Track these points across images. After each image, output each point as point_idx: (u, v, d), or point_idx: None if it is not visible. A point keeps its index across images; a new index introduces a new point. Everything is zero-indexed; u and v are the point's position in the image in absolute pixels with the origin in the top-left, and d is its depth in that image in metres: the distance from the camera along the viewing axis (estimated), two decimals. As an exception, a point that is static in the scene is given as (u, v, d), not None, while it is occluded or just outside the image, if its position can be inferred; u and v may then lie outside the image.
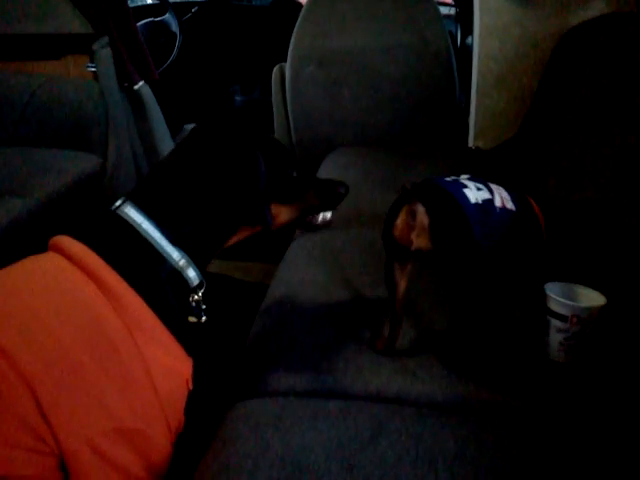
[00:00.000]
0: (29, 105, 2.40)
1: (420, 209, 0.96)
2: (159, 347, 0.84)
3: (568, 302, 1.02)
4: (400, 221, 0.98)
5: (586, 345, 1.03)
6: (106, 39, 2.35)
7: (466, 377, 1.02)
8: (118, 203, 0.88)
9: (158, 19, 3.31)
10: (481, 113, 2.16)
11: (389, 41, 2.33)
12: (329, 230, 1.69)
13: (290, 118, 2.47)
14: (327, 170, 2.14)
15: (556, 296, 1.03)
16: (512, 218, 1.04)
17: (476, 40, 2.06)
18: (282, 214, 0.99)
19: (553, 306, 1.03)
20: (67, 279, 0.81)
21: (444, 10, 3.14)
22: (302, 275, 1.40)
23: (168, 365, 0.85)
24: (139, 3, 3.96)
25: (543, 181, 1.51)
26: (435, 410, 0.96)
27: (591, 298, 1.04)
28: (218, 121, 0.99)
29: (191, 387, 0.90)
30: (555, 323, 1.03)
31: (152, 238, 0.85)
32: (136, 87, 2.51)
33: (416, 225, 0.96)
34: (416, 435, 0.88)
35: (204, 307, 0.92)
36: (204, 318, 0.93)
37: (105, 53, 2.36)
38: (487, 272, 0.99)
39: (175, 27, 3.27)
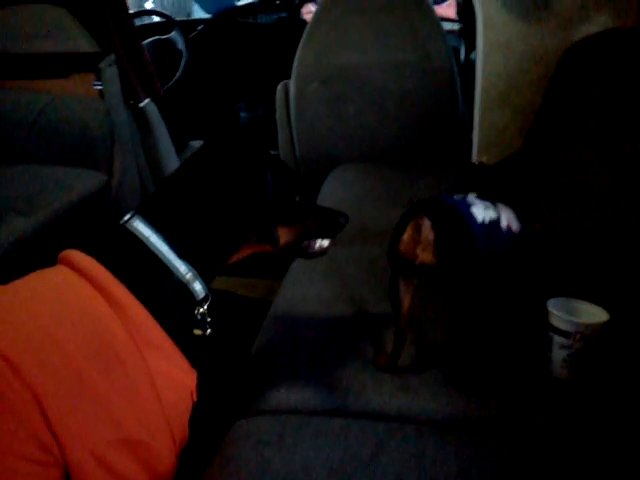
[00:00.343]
0: (36, 123, 2.42)
1: (426, 223, 0.96)
2: (165, 359, 0.84)
3: (571, 319, 1.01)
4: (406, 236, 0.98)
5: (589, 362, 1.02)
6: (112, 57, 2.37)
7: (468, 395, 1.01)
8: (127, 217, 0.89)
9: (164, 37, 3.34)
10: (485, 128, 2.16)
11: (393, 58, 2.34)
12: (333, 246, 1.69)
13: (294, 135, 2.48)
14: (331, 186, 2.14)
15: (559, 312, 1.02)
16: (516, 240, 1.04)
17: (480, 56, 2.07)
18: (282, 236, 0.99)
19: (556, 323, 1.03)
20: (75, 292, 0.81)
21: (448, 26, 3.16)
22: (305, 291, 1.40)
23: (173, 377, 0.85)
24: (146, 21, 3.99)
25: (545, 197, 1.51)
26: (436, 428, 0.95)
27: (594, 314, 1.03)
28: (227, 138, 0.99)
29: (195, 399, 0.90)
30: (558, 340, 1.02)
31: (160, 252, 0.86)
32: (141, 104, 2.53)
33: (421, 239, 0.96)
34: (417, 454, 0.88)
35: (209, 320, 0.93)
36: (209, 331, 0.93)
37: (111, 71, 2.38)
38: (489, 288, 0.98)
39: (181, 45, 3.29)
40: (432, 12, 2.34)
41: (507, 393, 1.01)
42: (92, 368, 0.76)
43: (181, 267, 0.87)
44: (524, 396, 1.01)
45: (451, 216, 0.98)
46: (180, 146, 2.97)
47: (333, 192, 2.08)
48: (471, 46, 2.88)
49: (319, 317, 1.28)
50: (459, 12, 3.17)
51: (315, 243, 1.08)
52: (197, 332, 0.92)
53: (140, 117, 2.58)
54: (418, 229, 0.96)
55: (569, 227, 1.33)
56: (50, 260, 0.88)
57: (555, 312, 1.03)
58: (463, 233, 0.96)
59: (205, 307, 0.92)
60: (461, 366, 1.06)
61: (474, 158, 2.23)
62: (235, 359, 1.24)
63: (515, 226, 1.05)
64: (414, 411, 1.01)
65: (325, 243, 1.09)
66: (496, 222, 1.01)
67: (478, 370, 1.05)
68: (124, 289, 0.82)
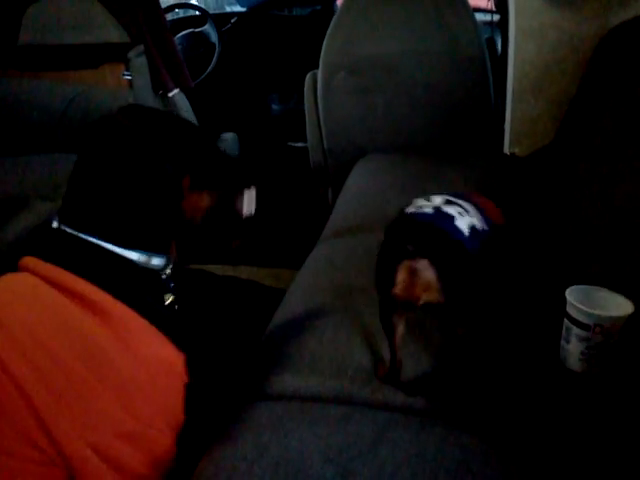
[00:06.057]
0: (67, 113, 2.46)
1: (422, 263, 0.87)
2: (149, 345, 0.84)
3: (591, 311, 0.94)
4: (401, 279, 0.89)
5: (609, 355, 0.96)
6: (141, 47, 2.39)
7: (475, 388, 0.97)
8: (55, 225, 0.86)
9: (198, 30, 3.36)
10: (517, 119, 2.10)
11: (421, 47, 2.28)
12: (353, 236, 1.66)
13: (322, 125, 2.45)
14: (357, 176, 2.11)
15: (578, 303, 0.95)
16: (490, 237, 1.00)
17: (512, 44, 2.01)
18: (199, 202, 0.94)
19: (574, 314, 0.96)
20: (47, 295, 0.81)
21: (481, 17, 3.08)
22: (319, 281, 1.37)
23: (161, 361, 0.85)
24: (181, 15, 4.02)
25: (577, 190, 1.45)
26: (440, 420, 0.91)
27: (617, 303, 0.96)
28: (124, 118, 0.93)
29: (186, 380, 0.89)
30: (577, 331, 0.96)
31: (108, 248, 0.85)
32: (170, 94, 2.53)
33: (420, 281, 0.87)
34: (418, 445, 0.84)
35: (172, 285, 0.93)
36: (171, 298, 0.93)
37: (140, 61, 2.40)
38: (486, 291, 0.94)
39: (214, 37, 3.30)
40: (463, 1, 2.27)
41: (516, 386, 0.96)
42: (78, 364, 0.76)
43: (132, 255, 0.86)
44: (534, 388, 0.96)
45: (444, 244, 0.89)
46: (213, 137, 2.97)
47: (359, 182, 2.05)
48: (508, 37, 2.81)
49: (330, 307, 1.24)
50: (497, 3, 3.10)
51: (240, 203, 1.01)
52: (167, 297, 0.92)
53: (169, 107, 2.58)
54: (413, 271, 0.87)
55: (596, 218, 1.26)
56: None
57: (574, 302, 0.96)
58: (462, 260, 0.88)
59: (168, 271, 0.92)
60: (468, 365, 1.00)
61: (506, 149, 2.17)
62: (245, 350, 1.21)
63: (485, 224, 1.00)
64: (419, 403, 0.97)
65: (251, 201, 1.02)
66: (474, 227, 0.95)
67: (486, 364, 0.99)
68: (93, 287, 0.81)
